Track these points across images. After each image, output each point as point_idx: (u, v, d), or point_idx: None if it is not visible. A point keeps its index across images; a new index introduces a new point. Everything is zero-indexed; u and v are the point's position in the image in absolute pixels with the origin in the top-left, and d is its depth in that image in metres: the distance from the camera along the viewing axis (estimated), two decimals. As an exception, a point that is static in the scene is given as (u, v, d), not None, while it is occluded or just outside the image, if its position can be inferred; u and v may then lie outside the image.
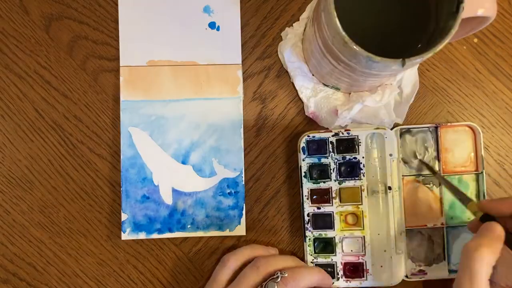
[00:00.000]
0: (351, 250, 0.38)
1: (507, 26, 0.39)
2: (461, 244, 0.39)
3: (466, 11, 0.27)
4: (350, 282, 0.37)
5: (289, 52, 0.38)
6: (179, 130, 0.38)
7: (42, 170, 0.39)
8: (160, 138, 0.38)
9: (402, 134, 0.39)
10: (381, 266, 0.38)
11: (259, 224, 0.39)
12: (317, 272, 0.35)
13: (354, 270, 0.38)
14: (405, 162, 0.39)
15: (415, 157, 0.39)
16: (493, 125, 0.39)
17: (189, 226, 0.38)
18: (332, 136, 0.37)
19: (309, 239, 0.37)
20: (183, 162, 0.38)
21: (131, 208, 0.38)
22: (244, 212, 0.38)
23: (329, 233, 0.38)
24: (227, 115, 0.38)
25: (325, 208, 0.38)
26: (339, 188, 0.38)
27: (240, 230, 0.38)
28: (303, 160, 0.37)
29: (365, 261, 0.37)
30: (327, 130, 0.38)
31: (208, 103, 0.38)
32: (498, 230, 0.30)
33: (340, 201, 0.38)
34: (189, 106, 0.38)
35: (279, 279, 0.33)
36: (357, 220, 0.38)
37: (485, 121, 0.39)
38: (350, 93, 0.38)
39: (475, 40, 0.39)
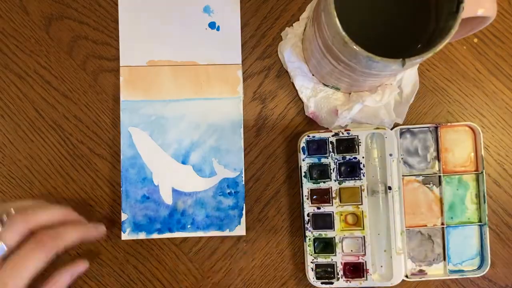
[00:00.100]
0: (351, 250, 0.38)
1: (507, 26, 0.39)
2: (461, 244, 0.39)
3: (466, 11, 0.27)
4: (350, 282, 0.37)
5: (289, 52, 0.38)
6: (179, 130, 0.38)
7: (42, 170, 0.39)
8: (160, 138, 0.38)
9: (402, 134, 0.39)
10: (381, 266, 0.38)
11: (259, 224, 0.39)
12: (59, 213, 0.30)
13: (354, 270, 0.38)
14: (405, 162, 0.39)
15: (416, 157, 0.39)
16: (493, 125, 0.39)
17: (189, 226, 0.38)
18: (332, 136, 0.37)
19: (309, 239, 0.37)
20: (183, 162, 0.38)
21: (131, 208, 0.38)
22: (244, 212, 0.38)
23: (329, 233, 0.38)
24: (227, 115, 0.38)
25: (325, 208, 0.38)
26: (339, 188, 0.38)
27: (240, 230, 0.38)
28: (303, 160, 0.37)
29: (365, 261, 0.37)
30: (327, 130, 0.38)
31: (208, 103, 0.38)
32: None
33: (340, 201, 0.38)
34: (189, 106, 0.38)
35: (5, 218, 0.29)
36: (357, 220, 0.38)
37: (485, 121, 0.39)
38: (350, 93, 0.38)
39: (475, 40, 0.39)
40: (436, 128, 0.38)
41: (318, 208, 0.38)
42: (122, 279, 0.39)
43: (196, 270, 0.39)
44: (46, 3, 0.39)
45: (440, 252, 0.39)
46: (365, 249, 0.37)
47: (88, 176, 0.39)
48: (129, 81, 0.38)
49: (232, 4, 0.38)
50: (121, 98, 0.38)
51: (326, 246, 0.38)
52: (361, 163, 0.37)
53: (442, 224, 0.39)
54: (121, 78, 0.38)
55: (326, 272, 0.38)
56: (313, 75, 0.38)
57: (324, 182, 0.38)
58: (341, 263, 0.37)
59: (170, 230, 0.38)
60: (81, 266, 0.33)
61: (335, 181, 0.38)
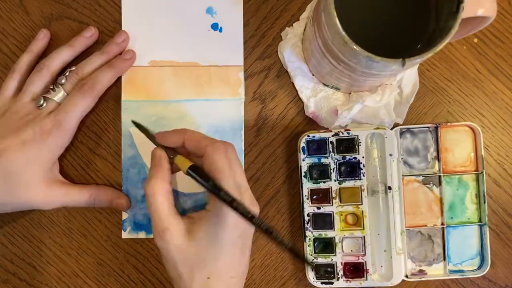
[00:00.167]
0: (351, 250, 0.38)
1: (507, 26, 0.39)
2: (461, 244, 0.39)
3: (466, 11, 0.27)
4: (350, 282, 0.37)
5: (289, 52, 0.38)
6: None
7: (42, 170, 0.39)
8: None
9: (402, 134, 0.39)
10: (381, 266, 0.38)
11: (259, 224, 0.39)
12: (99, 58, 0.37)
13: (354, 270, 0.38)
14: (405, 162, 0.39)
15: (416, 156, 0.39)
16: (493, 125, 0.39)
17: None
18: (332, 136, 0.37)
19: (309, 239, 0.37)
20: None
21: (132, 208, 0.38)
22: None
23: (329, 233, 0.38)
24: (228, 117, 0.38)
25: (325, 208, 0.38)
26: (339, 188, 0.38)
27: None
28: (303, 160, 0.37)
29: (365, 261, 0.37)
30: (327, 130, 0.38)
31: (209, 104, 0.38)
32: (157, 155, 0.32)
33: (340, 201, 0.38)
34: (190, 107, 0.38)
35: (67, 73, 0.36)
36: (357, 220, 0.38)
37: (485, 121, 0.39)
38: (350, 93, 0.38)
39: (475, 40, 0.39)
40: (436, 128, 0.38)
41: (318, 208, 0.38)
42: (122, 279, 0.39)
43: (196, 270, 0.39)
44: (46, 3, 0.39)
45: (440, 252, 0.39)
46: (365, 249, 0.37)
47: (88, 176, 0.39)
48: (130, 81, 0.38)
49: (235, 6, 0.38)
50: (122, 98, 0.38)
51: (326, 246, 0.38)
52: (361, 163, 0.37)
53: (442, 224, 0.39)
54: (122, 78, 0.38)
55: (326, 272, 0.38)
56: (313, 75, 0.38)
57: (324, 182, 0.38)
58: (341, 263, 0.37)
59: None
60: (123, 200, 0.38)
61: (335, 181, 0.38)
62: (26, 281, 0.39)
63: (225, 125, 0.38)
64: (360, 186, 0.37)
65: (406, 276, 0.38)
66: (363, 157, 0.37)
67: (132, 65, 0.38)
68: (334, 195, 0.38)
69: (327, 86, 0.38)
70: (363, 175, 0.37)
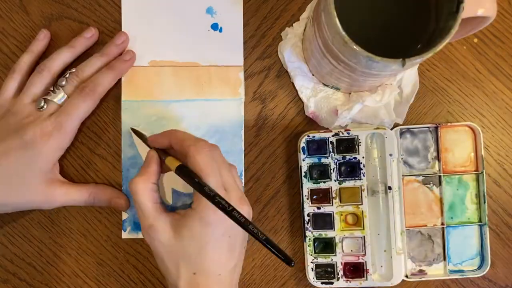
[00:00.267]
0: (351, 250, 0.38)
1: (507, 26, 0.39)
2: (461, 244, 0.39)
3: (466, 11, 0.27)
4: (350, 282, 0.37)
5: (289, 52, 0.38)
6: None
7: (42, 170, 0.39)
8: None
9: (402, 134, 0.39)
10: (381, 266, 0.38)
11: (259, 224, 0.39)
12: (100, 60, 0.37)
13: (354, 270, 0.38)
14: (405, 162, 0.39)
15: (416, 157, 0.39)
16: (493, 125, 0.39)
17: None
18: (332, 136, 0.37)
19: (309, 239, 0.37)
20: None
21: (132, 208, 0.38)
22: None
23: (329, 233, 0.38)
24: (228, 117, 0.38)
25: (325, 208, 0.38)
26: (339, 188, 0.38)
27: None
28: (303, 160, 0.37)
29: (365, 261, 0.37)
30: (327, 130, 0.38)
31: (209, 104, 0.38)
32: (148, 156, 0.34)
33: (340, 201, 0.38)
34: (190, 107, 0.38)
35: (67, 75, 0.36)
36: (357, 220, 0.38)
37: (485, 121, 0.39)
38: (350, 93, 0.38)
39: (475, 40, 0.39)
40: (436, 128, 0.38)
41: (318, 208, 0.38)
42: (122, 279, 0.39)
43: (196, 270, 0.39)
44: (46, 3, 0.39)
45: (440, 252, 0.39)
46: (365, 249, 0.37)
47: (88, 176, 0.39)
48: (130, 81, 0.38)
49: (235, 6, 0.38)
50: (122, 98, 0.38)
51: (326, 246, 0.38)
52: (361, 163, 0.37)
53: (442, 224, 0.39)
54: (122, 78, 0.38)
55: (326, 272, 0.38)
56: (313, 75, 0.38)
57: (324, 182, 0.38)
58: (341, 263, 0.37)
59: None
60: (122, 200, 0.38)
61: (335, 181, 0.38)
62: (26, 281, 0.39)
63: (225, 125, 0.38)
64: (360, 186, 0.37)
65: (406, 276, 0.38)
66: (363, 157, 0.37)
67: (132, 66, 0.38)
68: (334, 195, 0.38)
69: (327, 86, 0.38)
70: (363, 175, 0.37)
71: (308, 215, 0.37)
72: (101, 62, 0.37)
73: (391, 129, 0.38)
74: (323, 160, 0.37)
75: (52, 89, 0.35)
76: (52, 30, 0.39)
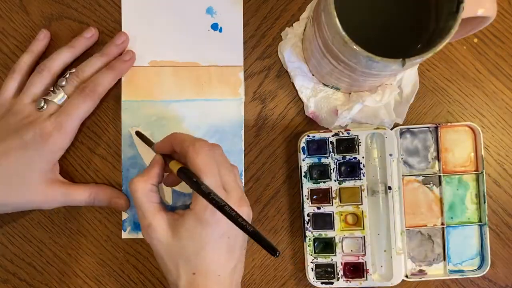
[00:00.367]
0: (351, 250, 0.38)
1: (507, 26, 0.39)
2: (461, 244, 0.39)
3: (466, 11, 0.27)
4: (350, 282, 0.37)
5: (289, 52, 0.38)
6: (180, 131, 0.38)
7: (42, 170, 0.39)
8: (161, 138, 0.38)
9: (402, 134, 0.39)
10: (381, 266, 0.38)
11: (259, 224, 0.39)
12: (100, 61, 0.37)
13: (354, 270, 0.38)
14: (405, 162, 0.39)
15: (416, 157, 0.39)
16: (493, 125, 0.39)
17: None
18: (332, 136, 0.37)
19: (309, 239, 0.37)
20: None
21: (132, 208, 0.38)
22: None
23: (329, 233, 0.38)
24: (228, 117, 0.38)
25: (325, 208, 0.38)
26: (339, 188, 0.38)
27: None
28: (303, 160, 0.37)
29: (365, 261, 0.37)
30: (327, 130, 0.38)
31: (209, 104, 0.38)
32: (153, 159, 0.34)
33: (340, 201, 0.38)
34: (190, 107, 0.38)
35: (67, 75, 0.36)
36: (357, 220, 0.38)
37: (485, 121, 0.39)
38: (350, 93, 0.38)
39: (475, 40, 0.39)
40: (436, 128, 0.38)
41: (318, 208, 0.38)
42: (122, 279, 0.39)
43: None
44: (46, 3, 0.39)
45: (440, 252, 0.39)
46: (365, 249, 0.37)
47: (88, 176, 0.39)
48: (130, 81, 0.38)
49: (235, 6, 0.38)
50: (122, 98, 0.38)
51: (326, 246, 0.38)
52: (361, 163, 0.37)
53: (442, 224, 0.39)
54: (122, 78, 0.38)
55: (326, 272, 0.38)
56: (313, 75, 0.38)
57: (324, 182, 0.38)
58: (341, 263, 0.37)
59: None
60: (122, 200, 0.38)
61: (335, 181, 0.38)
62: (26, 281, 0.39)
63: (225, 125, 0.38)
64: (360, 186, 0.37)
65: (406, 276, 0.38)
66: (363, 157, 0.37)
67: (132, 66, 0.38)
68: (334, 195, 0.38)
69: (327, 86, 0.38)
70: (363, 175, 0.37)
71: (308, 215, 0.37)
72: (101, 62, 0.37)
73: (391, 129, 0.38)
74: (323, 160, 0.37)
75: (52, 89, 0.35)
76: (52, 30, 0.39)
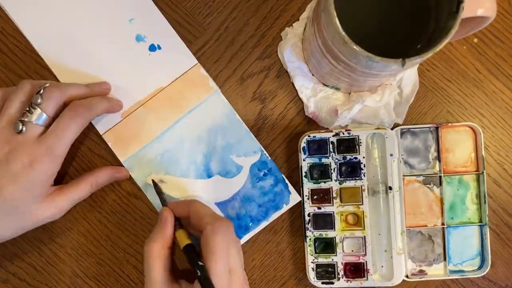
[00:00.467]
0: (352, 250, 0.38)
1: (507, 26, 0.39)
2: (461, 244, 0.39)
3: (466, 11, 0.27)
4: (350, 282, 0.37)
5: (289, 52, 0.38)
6: (187, 152, 0.38)
7: (42, 170, 0.39)
8: (177, 169, 0.38)
9: (402, 134, 0.39)
10: (382, 266, 0.38)
11: (259, 224, 0.39)
12: (84, 88, 0.35)
13: (355, 270, 0.38)
14: (405, 162, 0.39)
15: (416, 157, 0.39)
16: (493, 125, 0.39)
17: (250, 224, 0.38)
18: (333, 136, 0.37)
19: (310, 239, 0.37)
20: (209, 176, 0.38)
21: None
22: (287, 181, 0.38)
23: (329, 233, 0.38)
24: (217, 112, 0.38)
25: (326, 208, 0.38)
26: (340, 188, 0.38)
27: (295, 197, 0.38)
28: (304, 160, 0.37)
29: (366, 261, 0.37)
30: (327, 130, 0.38)
31: (194, 113, 0.38)
32: (164, 216, 0.33)
33: (341, 201, 0.38)
34: (182, 127, 0.38)
35: (42, 91, 0.32)
36: (357, 220, 0.38)
37: (485, 121, 0.39)
38: (350, 93, 0.38)
39: (475, 40, 0.39)
40: (437, 128, 0.38)
41: (319, 208, 0.38)
42: (122, 279, 0.39)
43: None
44: (46, 3, 0.39)
45: (440, 252, 0.39)
46: (365, 249, 0.37)
47: (88, 176, 0.39)
48: (116, 142, 0.38)
49: (155, 18, 0.38)
50: (121, 160, 0.38)
51: (326, 246, 0.38)
52: (361, 163, 0.37)
53: (443, 224, 0.39)
54: (109, 144, 0.38)
55: (326, 272, 0.38)
56: (313, 75, 0.38)
57: (324, 182, 0.38)
58: (342, 263, 0.37)
59: (239, 238, 0.38)
60: (122, 173, 0.37)
61: (336, 181, 0.38)
62: (26, 281, 0.39)
63: (220, 121, 0.38)
64: (361, 186, 0.37)
65: (407, 276, 0.38)
66: (363, 157, 0.37)
67: (120, 110, 0.38)
68: (334, 195, 0.38)
69: (327, 86, 0.38)
70: (364, 175, 0.37)
71: (308, 215, 0.37)
72: (85, 90, 0.35)
73: (392, 129, 0.38)
74: (324, 160, 0.37)
75: (27, 109, 0.32)
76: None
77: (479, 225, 0.39)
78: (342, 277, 0.37)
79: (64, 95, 0.34)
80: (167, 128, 0.38)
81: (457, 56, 0.39)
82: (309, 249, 0.37)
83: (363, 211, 0.37)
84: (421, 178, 0.39)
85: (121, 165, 0.38)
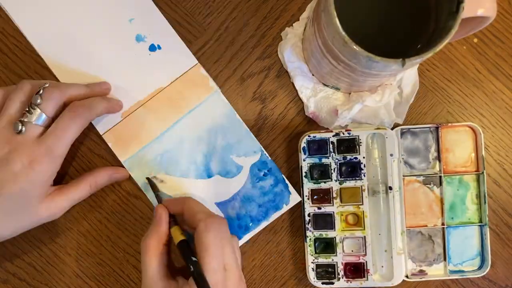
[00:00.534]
0: (352, 250, 0.38)
1: (507, 26, 0.39)
2: (461, 244, 0.39)
3: (466, 11, 0.27)
4: (351, 282, 0.37)
5: (289, 52, 0.38)
6: (187, 152, 0.38)
7: (42, 170, 0.39)
8: (177, 169, 0.38)
9: (403, 134, 0.39)
10: (382, 266, 0.38)
11: (259, 224, 0.39)
12: (84, 88, 0.35)
13: (355, 270, 0.38)
14: (405, 162, 0.39)
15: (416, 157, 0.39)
16: (493, 125, 0.39)
17: (250, 224, 0.38)
18: (333, 136, 0.37)
19: (310, 239, 0.37)
20: (209, 176, 0.38)
21: None
22: (287, 181, 0.38)
23: (330, 233, 0.38)
24: (217, 112, 0.38)
25: (326, 208, 0.38)
26: (340, 188, 0.38)
27: (294, 197, 0.38)
28: (304, 160, 0.37)
29: (366, 261, 0.37)
30: (327, 130, 0.38)
31: (194, 113, 0.38)
32: (158, 213, 0.33)
33: (341, 201, 0.38)
34: (181, 127, 0.38)
35: (41, 91, 0.32)
36: (357, 220, 0.38)
37: (485, 121, 0.39)
38: (350, 93, 0.38)
39: (475, 40, 0.39)
40: (437, 128, 0.38)
41: (319, 208, 0.38)
42: (122, 279, 0.39)
43: (196, 270, 0.39)
44: (47, 3, 0.39)
45: (440, 252, 0.39)
46: (365, 249, 0.37)
47: (88, 176, 0.39)
48: (116, 142, 0.38)
49: (155, 17, 0.38)
50: (121, 160, 0.38)
51: (326, 246, 0.38)
52: (361, 163, 0.37)
53: (443, 224, 0.39)
54: (109, 144, 0.38)
55: (326, 272, 0.38)
56: (313, 75, 0.38)
57: (324, 182, 0.38)
58: (342, 263, 0.37)
59: (239, 238, 0.38)
60: (122, 173, 0.37)
61: (336, 181, 0.37)
62: (26, 281, 0.39)
63: (221, 121, 0.38)
64: (361, 186, 0.37)
65: (407, 276, 0.38)
66: (363, 157, 0.37)
67: (120, 110, 0.38)
68: (334, 195, 0.38)
69: (327, 86, 0.38)
70: (364, 175, 0.37)
71: (308, 215, 0.37)
72: (85, 90, 0.35)
73: (392, 129, 0.38)
74: (324, 160, 0.37)
75: (27, 109, 0.32)
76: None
77: (479, 225, 0.39)
78: (342, 277, 0.37)
79: (64, 95, 0.34)
80: (167, 128, 0.38)
81: (457, 56, 0.39)
82: (309, 249, 0.37)
83: (363, 211, 0.37)
84: (421, 178, 0.39)
85: (121, 165, 0.38)
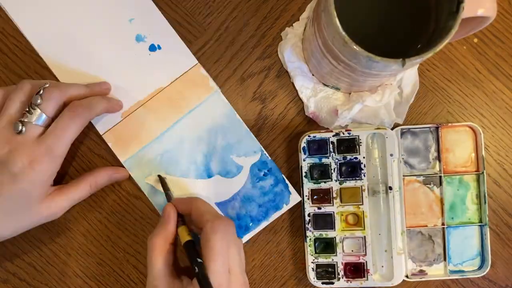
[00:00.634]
0: (352, 250, 0.38)
1: (507, 26, 0.39)
2: (461, 244, 0.39)
3: (466, 11, 0.27)
4: (351, 282, 0.37)
5: (289, 52, 0.38)
6: (187, 152, 0.38)
7: (42, 170, 0.39)
8: (177, 169, 0.38)
9: (403, 134, 0.39)
10: (382, 266, 0.38)
11: (260, 224, 0.39)
12: (84, 88, 0.35)
13: (355, 270, 0.38)
14: (406, 162, 0.39)
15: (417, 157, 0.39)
16: (493, 125, 0.39)
17: (251, 224, 0.38)
18: (333, 136, 0.37)
19: (310, 239, 0.37)
20: (209, 176, 0.38)
21: None
22: (287, 181, 0.38)
23: (330, 233, 0.38)
24: (217, 112, 0.38)
25: (326, 208, 0.38)
26: (340, 188, 0.38)
27: (294, 198, 0.38)
28: (304, 160, 0.37)
29: (366, 261, 0.37)
30: (327, 130, 0.38)
31: (195, 113, 0.38)
32: (167, 212, 0.34)
33: (341, 201, 0.38)
34: (182, 127, 0.38)
35: (41, 91, 0.32)
36: (357, 220, 0.38)
37: (485, 121, 0.39)
38: (350, 93, 0.38)
39: (475, 40, 0.39)
40: (437, 128, 0.38)
41: (319, 208, 0.38)
42: (122, 279, 0.39)
43: (196, 270, 0.39)
44: (47, 3, 0.39)
45: (440, 252, 0.39)
46: (365, 249, 0.37)
47: (88, 176, 0.39)
48: (116, 142, 0.38)
49: (156, 18, 0.38)
50: (121, 160, 0.38)
51: (326, 246, 0.38)
52: (362, 163, 0.37)
53: (443, 224, 0.39)
54: (109, 144, 0.38)
55: (326, 272, 0.38)
56: (313, 75, 0.38)
57: (324, 182, 0.38)
58: (342, 263, 0.37)
59: (240, 238, 0.38)
60: (122, 173, 0.37)
61: (336, 181, 0.38)
62: (26, 281, 0.39)
63: (221, 121, 0.38)
64: (361, 186, 0.37)
65: (407, 276, 0.38)
66: (364, 157, 0.37)
67: (120, 110, 0.38)
68: (334, 195, 0.38)
69: (327, 86, 0.38)
70: (364, 175, 0.37)
71: (308, 215, 0.37)
72: (84, 90, 0.35)
73: (392, 129, 0.38)
74: (324, 160, 0.37)
75: (27, 109, 0.32)
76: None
77: (479, 225, 0.39)
78: (342, 277, 0.37)
79: (64, 95, 0.34)
80: (167, 128, 0.38)
81: (457, 56, 0.39)
82: (309, 249, 0.37)
83: (363, 211, 0.37)
84: (421, 178, 0.39)
85: (121, 165, 0.38)
